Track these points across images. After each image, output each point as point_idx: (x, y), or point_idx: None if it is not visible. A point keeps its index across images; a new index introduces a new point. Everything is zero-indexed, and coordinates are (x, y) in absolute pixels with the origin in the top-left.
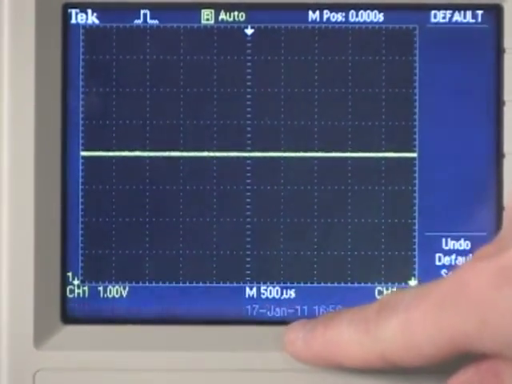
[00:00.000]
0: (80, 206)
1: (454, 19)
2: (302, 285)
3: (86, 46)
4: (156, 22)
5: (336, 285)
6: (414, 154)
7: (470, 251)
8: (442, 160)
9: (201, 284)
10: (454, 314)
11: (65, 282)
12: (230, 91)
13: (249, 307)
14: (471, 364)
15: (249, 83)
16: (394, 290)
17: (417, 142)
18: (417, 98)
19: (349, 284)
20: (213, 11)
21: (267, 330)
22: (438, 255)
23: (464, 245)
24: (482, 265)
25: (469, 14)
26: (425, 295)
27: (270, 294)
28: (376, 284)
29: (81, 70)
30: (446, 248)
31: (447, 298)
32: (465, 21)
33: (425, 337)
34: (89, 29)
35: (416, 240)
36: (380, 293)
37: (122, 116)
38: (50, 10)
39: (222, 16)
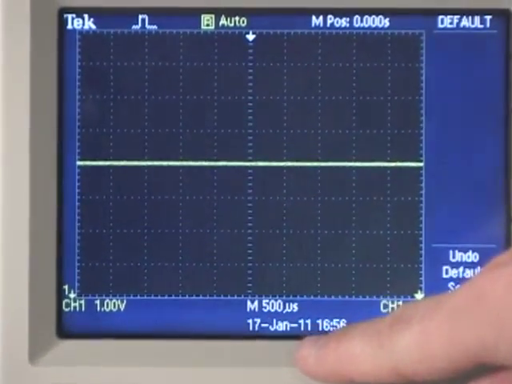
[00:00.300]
0: (76, 217)
1: (462, 24)
2: (305, 298)
3: (83, 53)
4: (155, 27)
5: (340, 298)
6: (421, 164)
7: (479, 264)
8: (449, 169)
9: (201, 297)
10: (469, 324)
11: (60, 295)
12: (231, 99)
13: (250, 321)
14: (485, 374)
15: (250, 90)
16: (400, 303)
17: (423, 151)
18: (423, 105)
19: (353, 297)
20: (213, 16)
21: (269, 345)
22: (445, 268)
23: (472, 257)
24: (498, 272)
25: (477, 19)
26: (439, 306)
27: (272, 307)
28: (381, 297)
29: (77, 77)
30: (454, 260)
31: (462, 308)
32: (473, 26)
33: (440, 349)
34: (85, 34)
35: (422, 252)
36: (385, 306)
37: (119, 124)
38: (46, 14)
39: (223, 21)
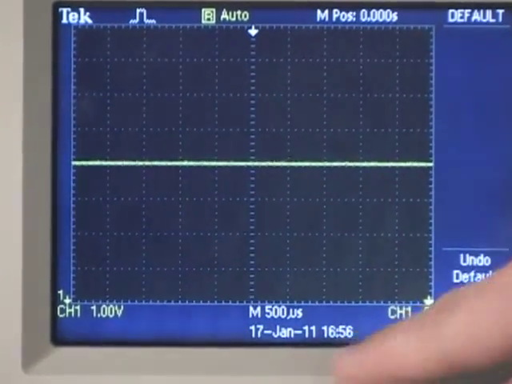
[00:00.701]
0: (72, 219)
1: (473, 19)
2: (309, 304)
3: (78, 48)
4: (153, 21)
5: (346, 304)
6: (430, 164)
7: (491, 268)
8: (460, 170)
9: (201, 303)
10: None
11: (55, 301)
12: (233, 96)
13: (252, 328)
14: None
15: (252, 87)
16: (409, 309)
17: (433, 151)
18: (433, 103)
19: (360, 303)
20: (214, 10)
21: (272, 353)
22: (455, 272)
23: (484, 261)
24: None
25: (489, 13)
26: (486, 285)
27: (276, 313)
28: (389, 303)
29: (72, 74)
30: (465, 264)
31: None
32: (484, 20)
33: (492, 327)
34: (81, 29)
35: (432, 256)
36: (393, 312)
37: (116, 122)
38: (40, 8)
39: (224, 15)
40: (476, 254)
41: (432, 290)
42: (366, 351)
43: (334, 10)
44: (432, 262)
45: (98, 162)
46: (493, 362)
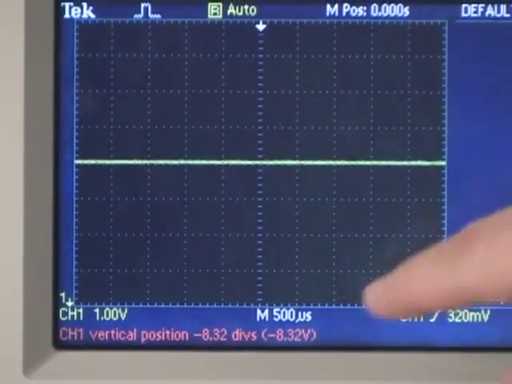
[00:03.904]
0: (74, 220)
1: (487, 13)
2: (318, 307)
3: (81, 43)
4: (158, 16)
5: (356, 307)
6: (443, 163)
7: None
8: (473, 169)
9: (207, 306)
10: None
11: (57, 304)
12: (240, 93)
13: (260, 331)
14: None
15: (260, 84)
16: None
17: (446, 149)
18: (446, 100)
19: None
20: (221, 5)
21: (280, 357)
22: None
23: None
24: None
25: (503, 7)
26: (507, 218)
27: (284, 316)
28: None
29: (75, 70)
30: None
31: None
32: (498, 15)
33: (510, 262)
34: (84, 24)
35: None
36: None
37: (120, 120)
38: (42, 3)
39: (231, 10)
40: None
41: None
42: (391, 281)
43: (344, 5)
44: None
45: (101, 161)
46: (508, 298)
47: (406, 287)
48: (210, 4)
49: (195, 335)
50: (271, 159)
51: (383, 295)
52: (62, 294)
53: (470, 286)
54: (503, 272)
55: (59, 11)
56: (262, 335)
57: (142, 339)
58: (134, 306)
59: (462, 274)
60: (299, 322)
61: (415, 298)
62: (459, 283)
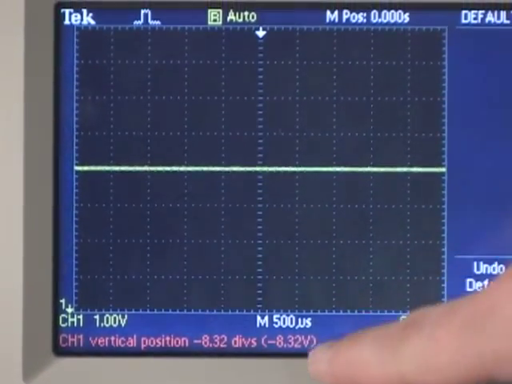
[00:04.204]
0: (74, 226)
1: (487, 20)
2: (318, 313)
3: (81, 50)
4: (158, 23)
5: (357, 313)
6: (443, 169)
7: None
8: (473, 175)
9: (207, 312)
10: (482, 334)
11: (57, 310)
12: (240, 99)
13: (260, 338)
14: None
15: (260, 91)
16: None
17: (446, 156)
18: (446, 106)
19: (371, 312)
20: (220, 11)
21: (280, 364)
22: (468, 280)
23: (498, 269)
24: None
25: (503, 14)
26: (452, 313)
27: (284, 323)
28: (401, 312)
29: (75, 76)
30: (478, 272)
31: (476, 318)
32: (499, 22)
33: (449, 358)
34: (84, 30)
35: (445, 264)
36: None
37: (120, 127)
38: (41, 9)
39: (231, 16)
40: (490, 262)
41: (445, 299)
42: (337, 354)
43: (344, 11)
44: (445, 270)
45: (101, 167)
46: None
47: (348, 364)
48: (209, 10)
49: (195, 342)
50: (271, 165)
51: (326, 366)
52: (62, 301)
53: (408, 375)
54: (441, 366)
55: (59, 18)
56: (262, 342)
57: (142, 346)
58: (134, 312)
59: (401, 362)
60: (299, 328)
61: (357, 377)
62: (398, 370)
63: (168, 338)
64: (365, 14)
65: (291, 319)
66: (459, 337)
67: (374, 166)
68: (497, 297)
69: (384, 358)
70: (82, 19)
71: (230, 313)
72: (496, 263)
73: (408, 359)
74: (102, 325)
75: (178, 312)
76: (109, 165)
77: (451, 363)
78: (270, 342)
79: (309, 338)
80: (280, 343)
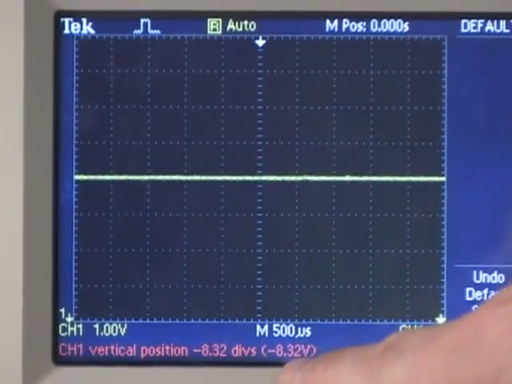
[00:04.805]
0: (73, 235)
1: (487, 29)
2: (318, 322)
3: (81, 59)
4: (158, 32)
5: (356, 322)
6: (443, 178)
7: (504, 285)
8: (473, 184)
9: (207, 321)
10: (466, 361)
11: (57, 319)
12: (239, 108)
13: (260, 347)
14: None
15: (260, 99)
16: (421, 327)
17: (445, 165)
18: (445, 115)
19: (370, 321)
20: (220, 20)
21: (280, 373)
22: (468, 289)
23: (497, 278)
24: (500, 309)
25: (502, 23)
26: (435, 338)
27: (284, 332)
28: (400, 321)
29: (75, 85)
30: (478, 281)
31: (460, 343)
32: (498, 31)
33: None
34: (83, 39)
35: (444, 273)
36: None
37: (119, 136)
38: (41, 18)
39: (231, 26)
40: (489, 271)
41: (444, 309)
42: (310, 375)
43: (344, 20)
44: (444, 280)
45: (100, 177)
46: None
47: (328, 381)
48: (209, 20)
49: (195, 351)
50: (271, 175)
51: (301, 380)
52: (62, 310)
53: None
54: None
55: (59, 27)
56: (262, 351)
57: (142, 355)
58: (133, 321)
59: None
60: (299, 337)
61: None
62: None
63: (168, 347)
64: (364, 23)
65: (291, 328)
66: (443, 362)
67: (373, 175)
68: (481, 322)
69: (364, 381)
70: (81, 28)
71: (229, 322)
72: (496, 272)
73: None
74: (101, 334)
75: (177, 321)
76: (108, 174)
77: None
78: (269, 351)
79: (308, 347)
80: (280, 352)
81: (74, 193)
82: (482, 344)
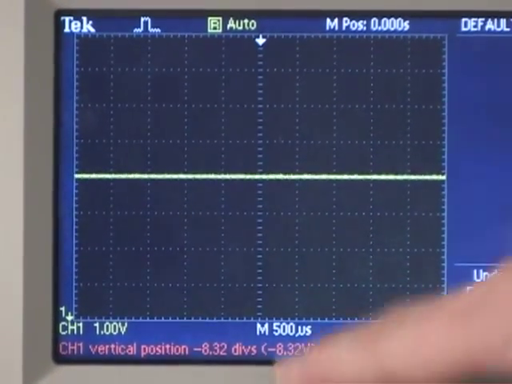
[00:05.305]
0: (74, 234)
1: (487, 28)
2: (318, 321)
3: (81, 58)
4: (158, 30)
5: (357, 321)
6: (443, 177)
7: None
8: (473, 183)
9: (207, 320)
10: (474, 325)
11: (57, 318)
12: (240, 107)
13: (260, 345)
14: None
15: (260, 98)
16: None
17: (446, 163)
18: (446, 114)
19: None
20: (220, 19)
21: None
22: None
23: None
24: None
25: (503, 22)
26: (439, 306)
27: (284, 330)
28: None
29: (75, 84)
30: (478, 280)
31: (468, 308)
32: (498, 29)
33: (435, 351)
34: (84, 38)
35: (445, 271)
36: None
37: (120, 134)
38: (41, 17)
39: (231, 24)
40: (490, 270)
41: None
42: (307, 358)
43: (344, 19)
44: (445, 278)
45: (101, 175)
46: (438, 382)
47: (320, 361)
48: (209, 18)
49: (195, 349)
50: (271, 173)
51: (297, 371)
52: (62, 308)
53: (391, 370)
54: (429, 360)
55: (59, 25)
56: (262, 349)
57: (142, 353)
58: (134, 320)
59: (382, 357)
60: (299, 336)
61: (328, 372)
62: (378, 366)
63: (168, 346)
64: (365, 22)
65: (291, 327)
66: (448, 328)
67: (374, 173)
68: (493, 284)
69: (363, 355)
70: (81, 27)
71: (230, 321)
72: (496, 271)
73: (391, 354)
74: (101, 332)
75: (177, 320)
76: (109, 172)
77: (437, 356)
78: (269, 349)
79: (309, 345)
80: (280, 351)
81: (75, 191)
82: (491, 304)
